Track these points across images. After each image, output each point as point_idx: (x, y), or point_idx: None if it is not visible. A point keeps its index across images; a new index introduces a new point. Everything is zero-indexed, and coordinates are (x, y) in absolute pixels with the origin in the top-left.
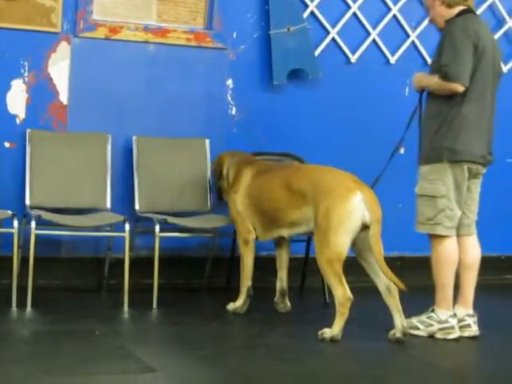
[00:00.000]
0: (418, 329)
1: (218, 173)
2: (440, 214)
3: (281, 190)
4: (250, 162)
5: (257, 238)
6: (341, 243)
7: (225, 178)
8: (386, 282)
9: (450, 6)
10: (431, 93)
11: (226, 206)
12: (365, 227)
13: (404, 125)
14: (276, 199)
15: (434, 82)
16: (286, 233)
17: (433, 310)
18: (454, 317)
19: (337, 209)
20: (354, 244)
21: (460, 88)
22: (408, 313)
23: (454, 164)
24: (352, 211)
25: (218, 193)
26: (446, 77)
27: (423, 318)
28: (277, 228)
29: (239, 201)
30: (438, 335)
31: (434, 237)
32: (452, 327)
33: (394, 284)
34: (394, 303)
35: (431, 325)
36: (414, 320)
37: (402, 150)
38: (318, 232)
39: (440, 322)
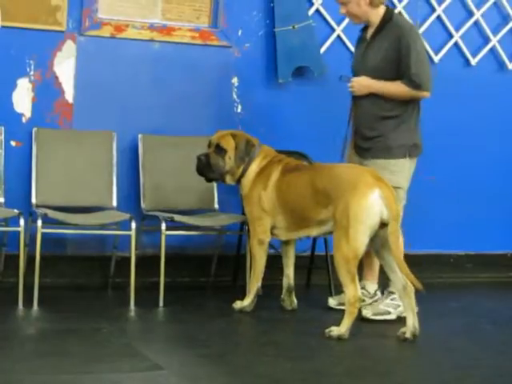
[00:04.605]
0: (389, 313)
1: (218, 149)
2: (400, 204)
3: (307, 189)
4: (276, 159)
5: (275, 236)
6: (358, 240)
7: (232, 159)
8: (402, 281)
9: (376, 5)
10: (379, 95)
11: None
12: (383, 225)
13: None
14: (304, 199)
15: (400, 90)
16: (314, 232)
17: (392, 292)
18: None
19: (355, 205)
20: (372, 241)
21: (428, 95)
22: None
23: (412, 158)
24: (369, 207)
25: (217, 171)
26: (416, 86)
27: (388, 301)
28: (304, 228)
29: (266, 198)
30: (405, 314)
31: None
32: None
33: (412, 283)
34: (409, 302)
35: (399, 305)
36: (381, 306)
37: None
38: (336, 228)
39: None
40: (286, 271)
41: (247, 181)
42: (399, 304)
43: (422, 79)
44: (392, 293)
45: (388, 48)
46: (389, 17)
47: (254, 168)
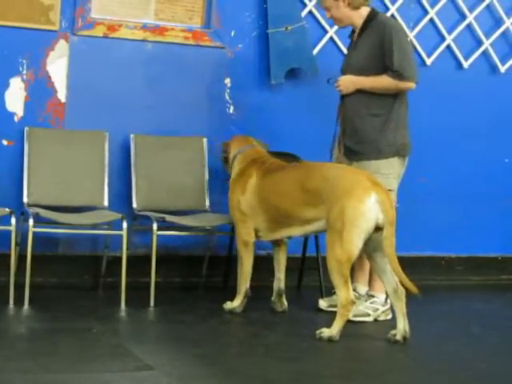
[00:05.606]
0: (368, 315)
1: (224, 155)
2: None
3: (294, 189)
4: (258, 161)
5: (259, 238)
6: (353, 244)
7: (230, 165)
8: (394, 284)
9: (355, 7)
10: (365, 92)
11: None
12: (378, 229)
13: None
14: (289, 198)
15: (385, 82)
16: (297, 232)
17: (372, 296)
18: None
19: (350, 209)
20: (366, 244)
21: (414, 86)
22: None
23: (401, 158)
24: (366, 212)
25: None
26: (400, 77)
27: (368, 304)
28: (286, 227)
29: (245, 201)
30: (381, 317)
31: None
32: (389, 308)
33: (407, 288)
34: (399, 306)
35: (377, 309)
36: (361, 307)
37: None
38: (330, 231)
39: (383, 305)
40: (278, 275)
41: (230, 182)
42: (378, 308)
43: (406, 69)
44: (372, 296)
45: (372, 45)
46: (372, 16)
47: (235, 169)
